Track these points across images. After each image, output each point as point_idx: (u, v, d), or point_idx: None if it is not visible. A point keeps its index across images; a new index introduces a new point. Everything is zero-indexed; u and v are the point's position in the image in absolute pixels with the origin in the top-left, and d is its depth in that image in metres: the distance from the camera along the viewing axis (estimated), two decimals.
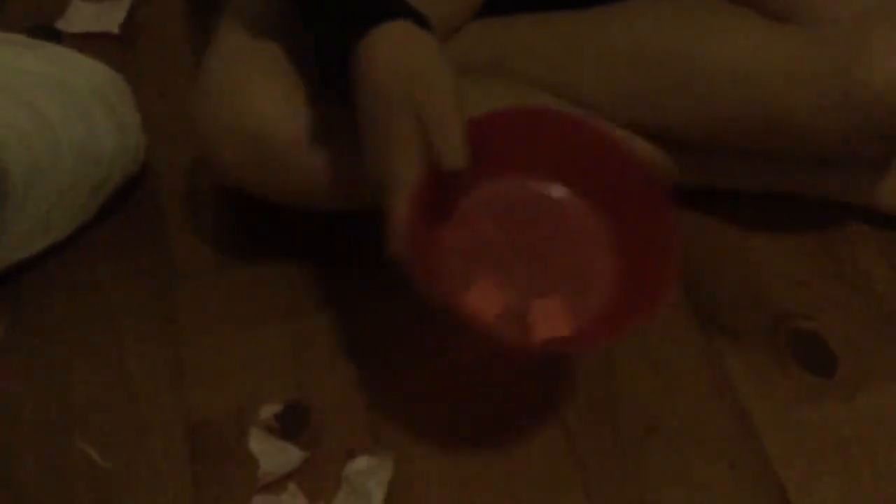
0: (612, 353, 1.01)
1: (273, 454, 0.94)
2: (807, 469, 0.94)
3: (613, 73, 1.03)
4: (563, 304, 0.86)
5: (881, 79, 0.93)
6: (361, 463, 0.93)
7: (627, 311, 0.85)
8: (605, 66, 1.03)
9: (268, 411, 0.96)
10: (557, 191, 0.91)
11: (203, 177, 1.14)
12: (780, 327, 1.03)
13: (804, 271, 1.08)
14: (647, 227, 0.88)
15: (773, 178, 1.09)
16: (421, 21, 0.84)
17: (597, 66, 1.04)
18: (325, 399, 0.98)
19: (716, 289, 1.06)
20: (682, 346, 1.02)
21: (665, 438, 0.96)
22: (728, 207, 1.11)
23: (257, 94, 0.93)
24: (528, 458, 0.95)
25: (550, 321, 0.86)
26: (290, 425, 0.96)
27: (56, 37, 1.27)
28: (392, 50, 0.81)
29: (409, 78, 0.80)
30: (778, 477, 0.93)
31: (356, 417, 0.97)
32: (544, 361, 1.00)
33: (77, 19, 1.30)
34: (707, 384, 0.99)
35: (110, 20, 1.29)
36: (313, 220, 1.04)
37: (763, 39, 0.98)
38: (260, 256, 1.08)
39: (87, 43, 1.24)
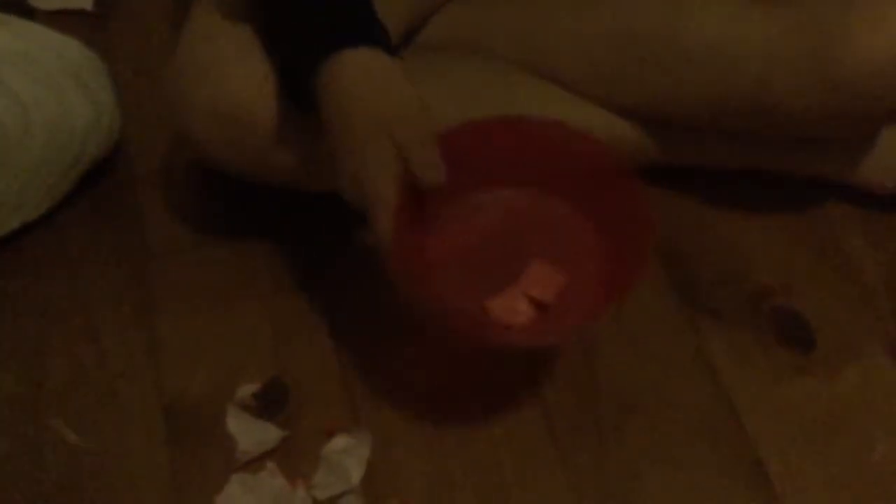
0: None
1: (251, 433, 0.93)
2: (787, 446, 0.94)
3: (593, 51, 1.03)
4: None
5: (859, 58, 0.93)
6: (339, 442, 0.93)
7: (609, 290, 0.87)
8: (585, 45, 1.04)
9: (246, 390, 0.96)
10: (531, 193, 0.92)
11: (179, 156, 1.13)
12: (760, 305, 1.04)
13: (785, 249, 1.08)
14: (622, 211, 0.89)
15: (754, 156, 1.09)
16: (382, 43, 0.86)
17: (576, 44, 1.04)
18: (303, 378, 0.97)
19: (696, 266, 1.07)
20: (662, 324, 1.02)
21: (645, 416, 0.96)
22: (708, 186, 1.11)
23: (233, 73, 0.92)
24: (508, 437, 0.94)
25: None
26: (269, 404, 0.95)
27: (28, 14, 1.26)
28: (359, 78, 0.85)
29: (381, 103, 0.84)
30: (758, 454, 0.94)
31: (334, 397, 0.96)
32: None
33: None
34: (687, 362, 1.00)
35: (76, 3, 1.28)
36: (290, 198, 1.04)
37: (744, 19, 0.98)
38: (236, 235, 1.08)
39: (61, 21, 1.23)
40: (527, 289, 0.88)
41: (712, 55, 0.99)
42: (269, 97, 0.93)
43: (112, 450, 0.93)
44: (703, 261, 1.07)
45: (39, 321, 1.01)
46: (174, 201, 1.10)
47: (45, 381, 0.97)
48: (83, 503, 0.90)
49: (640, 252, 0.87)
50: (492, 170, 0.91)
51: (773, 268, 1.06)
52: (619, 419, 0.95)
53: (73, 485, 0.91)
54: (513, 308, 0.87)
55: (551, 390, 0.97)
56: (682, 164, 1.10)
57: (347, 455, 0.92)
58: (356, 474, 0.91)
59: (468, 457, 0.93)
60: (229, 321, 1.01)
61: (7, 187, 1.01)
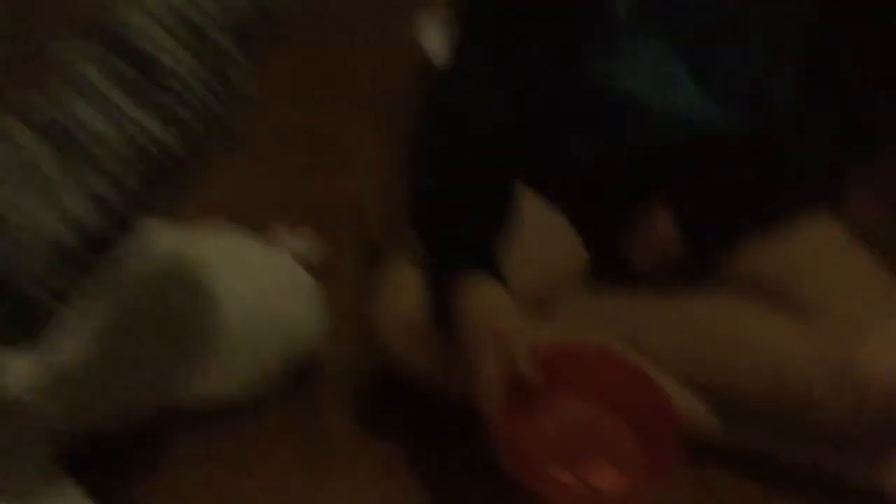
0: None
1: None
2: None
3: (673, 338, 1.29)
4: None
5: (875, 373, 1.13)
6: None
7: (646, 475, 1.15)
8: (668, 332, 1.29)
9: None
10: (601, 411, 1.21)
11: (356, 373, 1.40)
12: None
13: None
14: (660, 433, 1.16)
15: (797, 451, 1.28)
16: (496, 272, 1.18)
17: (661, 330, 1.29)
18: None
19: None
20: None
21: None
22: (757, 467, 1.30)
23: (408, 296, 1.23)
24: None
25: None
26: None
27: None
28: (481, 298, 1.16)
29: (500, 321, 1.15)
30: None
31: None
32: None
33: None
34: None
35: (301, 249, 1.52)
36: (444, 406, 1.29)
37: (791, 334, 1.20)
38: (390, 435, 1.33)
39: None
40: (593, 480, 1.14)
41: (763, 358, 1.21)
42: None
43: None
44: None
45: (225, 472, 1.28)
46: (348, 402, 1.38)
47: None
48: None
49: (667, 452, 1.14)
50: (581, 385, 1.19)
51: None
52: None
53: None
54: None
55: None
56: (739, 447, 1.29)
57: None
58: None
59: None
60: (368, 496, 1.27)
61: (241, 359, 1.26)
